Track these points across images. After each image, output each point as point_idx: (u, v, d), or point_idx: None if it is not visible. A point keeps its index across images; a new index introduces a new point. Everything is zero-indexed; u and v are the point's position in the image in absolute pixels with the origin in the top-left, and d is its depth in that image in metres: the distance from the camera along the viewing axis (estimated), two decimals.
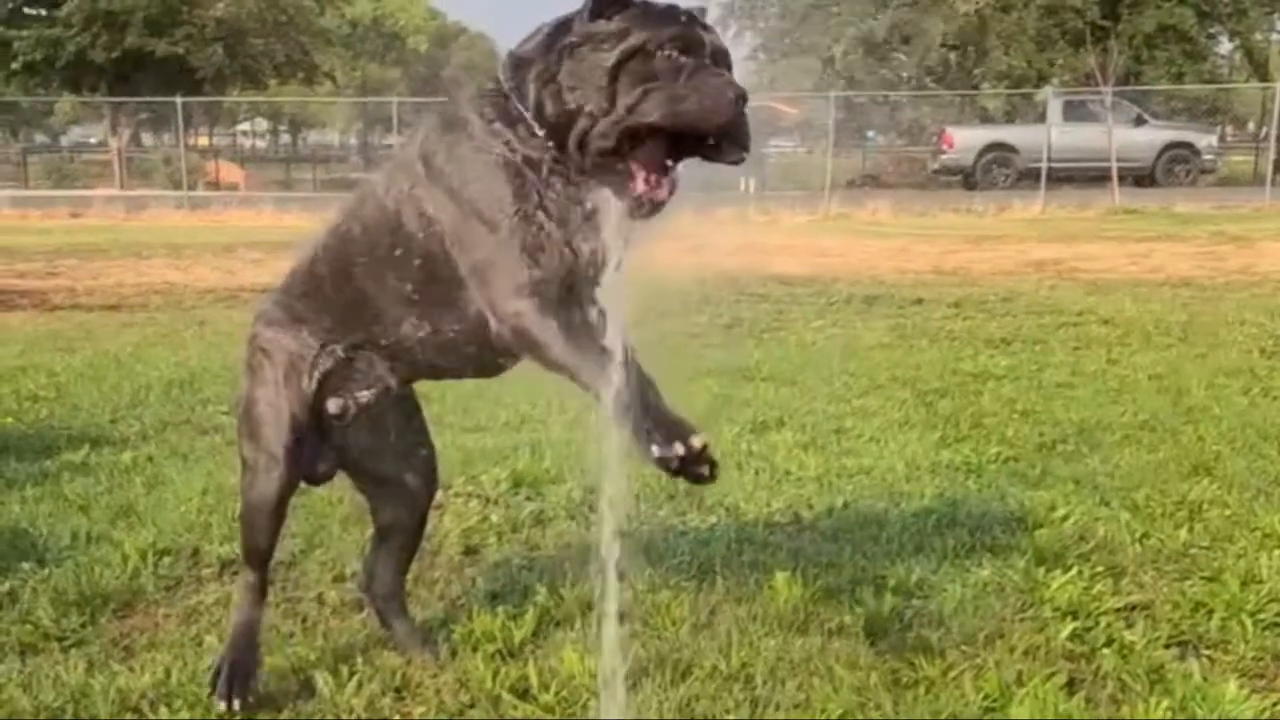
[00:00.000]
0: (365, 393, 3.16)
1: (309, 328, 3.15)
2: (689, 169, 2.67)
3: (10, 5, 42.49)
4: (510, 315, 2.74)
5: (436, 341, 2.98)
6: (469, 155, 2.77)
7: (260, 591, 3.32)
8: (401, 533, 3.51)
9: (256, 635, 3.29)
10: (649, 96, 2.56)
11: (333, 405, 3.17)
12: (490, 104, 2.79)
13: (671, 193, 2.62)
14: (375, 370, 3.13)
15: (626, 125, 2.58)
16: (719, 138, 2.60)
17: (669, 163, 2.63)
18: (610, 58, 2.58)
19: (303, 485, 3.33)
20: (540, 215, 2.71)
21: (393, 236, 2.91)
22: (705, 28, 2.65)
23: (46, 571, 4.13)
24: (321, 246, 3.15)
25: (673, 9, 2.65)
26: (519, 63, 2.77)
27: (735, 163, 2.65)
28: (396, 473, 3.41)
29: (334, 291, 3.10)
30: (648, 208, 2.61)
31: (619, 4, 2.63)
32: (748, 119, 2.61)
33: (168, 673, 3.34)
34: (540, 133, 2.70)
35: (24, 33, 42.03)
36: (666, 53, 2.57)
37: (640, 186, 2.60)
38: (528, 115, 2.72)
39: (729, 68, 2.66)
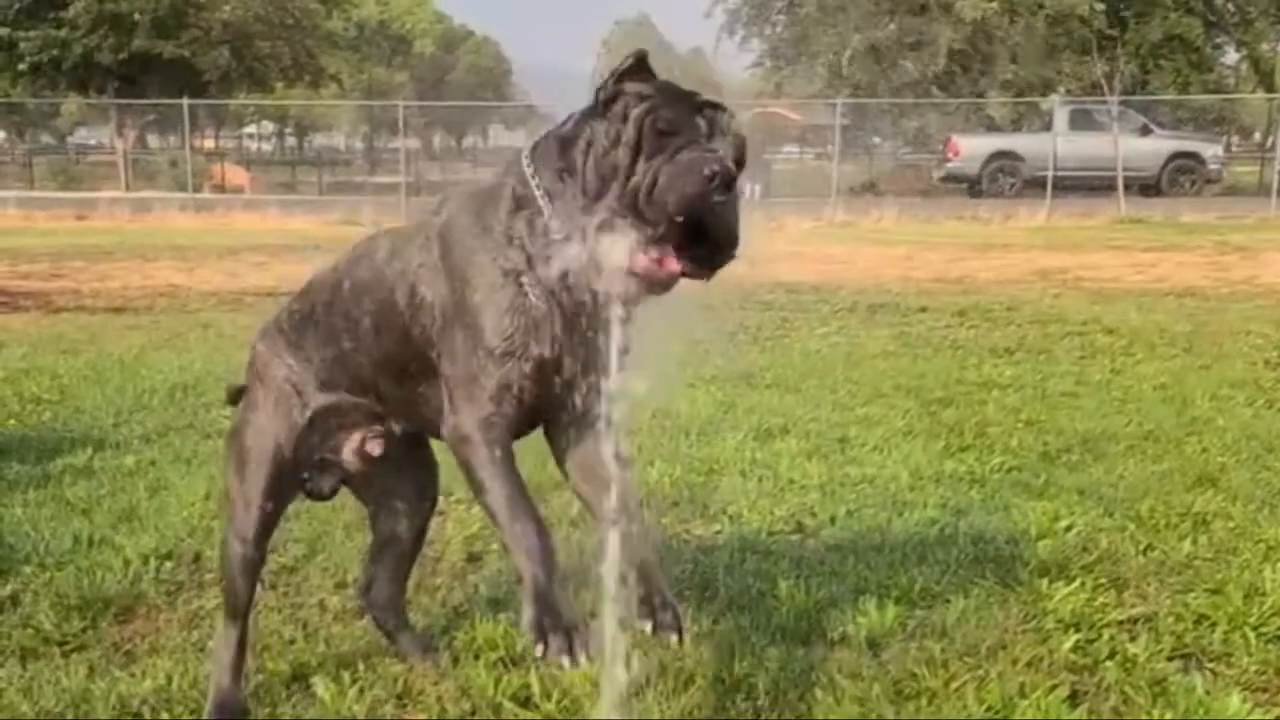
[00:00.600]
0: (374, 443, 3.12)
1: (302, 357, 3.11)
2: None
3: (17, 6, 42.48)
4: (461, 439, 2.71)
5: (415, 403, 2.96)
6: (486, 263, 2.67)
7: (241, 645, 3.25)
8: (401, 543, 3.48)
9: (239, 692, 3.25)
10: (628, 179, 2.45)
11: (348, 454, 3.14)
12: (517, 188, 2.67)
13: (671, 275, 2.45)
14: (372, 413, 3.10)
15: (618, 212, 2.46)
16: (693, 220, 2.42)
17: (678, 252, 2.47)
18: (611, 153, 2.48)
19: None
20: (532, 345, 2.64)
21: (379, 304, 2.89)
22: (716, 107, 2.54)
23: (48, 575, 4.14)
24: (316, 284, 3.13)
25: (690, 95, 2.54)
26: (542, 149, 2.67)
27: (714, 266, 2.53)
28: (397, 485, 3.39)
29: (320, 336, 3.08)
30: (645, 286, 2.46)
31: (636, 71, 2.55)
32: (733, 206, 2.46)
33: (169, 678, 3.34)
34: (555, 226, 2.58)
35: (31, 34, 42.04)
36: (658, 130, 2.46)
37: (640, 263, 2.43)
38: (547, 209, 2.61)
39: (735, 152, 2.51)
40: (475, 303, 2.67)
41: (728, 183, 2.41)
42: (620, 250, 2.42)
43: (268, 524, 3.19)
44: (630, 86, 2.53)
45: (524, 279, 2.63)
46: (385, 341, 2.90)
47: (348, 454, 3.13)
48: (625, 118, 2.47)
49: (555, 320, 2.63)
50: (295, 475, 3.16)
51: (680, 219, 2.40)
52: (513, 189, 2.67)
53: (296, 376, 3.10)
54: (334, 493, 3.32)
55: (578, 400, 2.69)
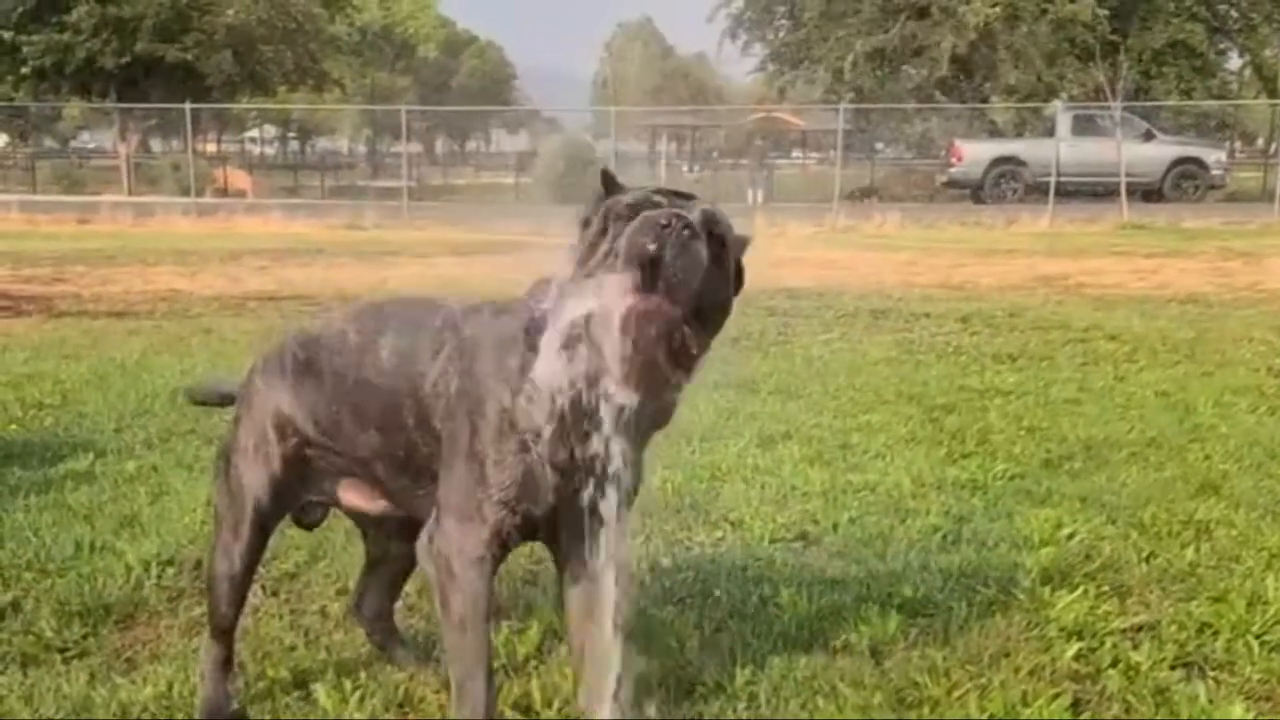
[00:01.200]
0: (376, 504, 3.12)
1: (298, 403, 3.07)
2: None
3: (20, 10, 42.56)
4: (445, 568, 2.73)
5: (407, 496, 2.98)
6: (494, 413, 2.68)
7: (226, 664, 3.24)
8: (394, 561, 3.47)
9: (229, 703, 3.24)
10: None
11: (378, 509, 3.14)
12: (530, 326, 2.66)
13: (663, 309, 2.43)
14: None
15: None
16: (663, 272, 2.41)
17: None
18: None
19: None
20: (529, 504, 2.67)
21: (383, 405, 2.90)
22: (684, 195, 2.57)
23: (49, 581, 4.13)
24: (325, 340, 3.09)
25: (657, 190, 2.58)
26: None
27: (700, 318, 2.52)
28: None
29: (321, 396, 3.05)
30: (635, 322, 2.43)
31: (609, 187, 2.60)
32: (691, 251, 2.45)
33: (170, 685, 3.33)
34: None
35: (34, 38, 42.17)
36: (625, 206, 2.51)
37: (630, 300, 2.42)
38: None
39: (702, 216, 2.52)
40: (480, 447, 2.69)
41: (685, 225, 2.44)
42: (610, 297, 2.43)
43: (254, 548, 3.16)
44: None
45: (529, 436, 2.64)
46: (388, 438, 2.91)
47: (342, 496, 3.14)
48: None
49: (556, 476, 2.65)
50: (285, 494, 3.14)
51: (640, 265, 2.41)
52: (526, 328, 2.66)
53: (286, 420, 3.07)
54: (318, 521, 3.34)
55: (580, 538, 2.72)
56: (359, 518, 3.36)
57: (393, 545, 3.40)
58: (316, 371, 3.04)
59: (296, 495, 3.15)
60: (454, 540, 2.71)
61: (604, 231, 2.50)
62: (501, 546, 2.73)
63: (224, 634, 3.22)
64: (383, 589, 3.54)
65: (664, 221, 2.41)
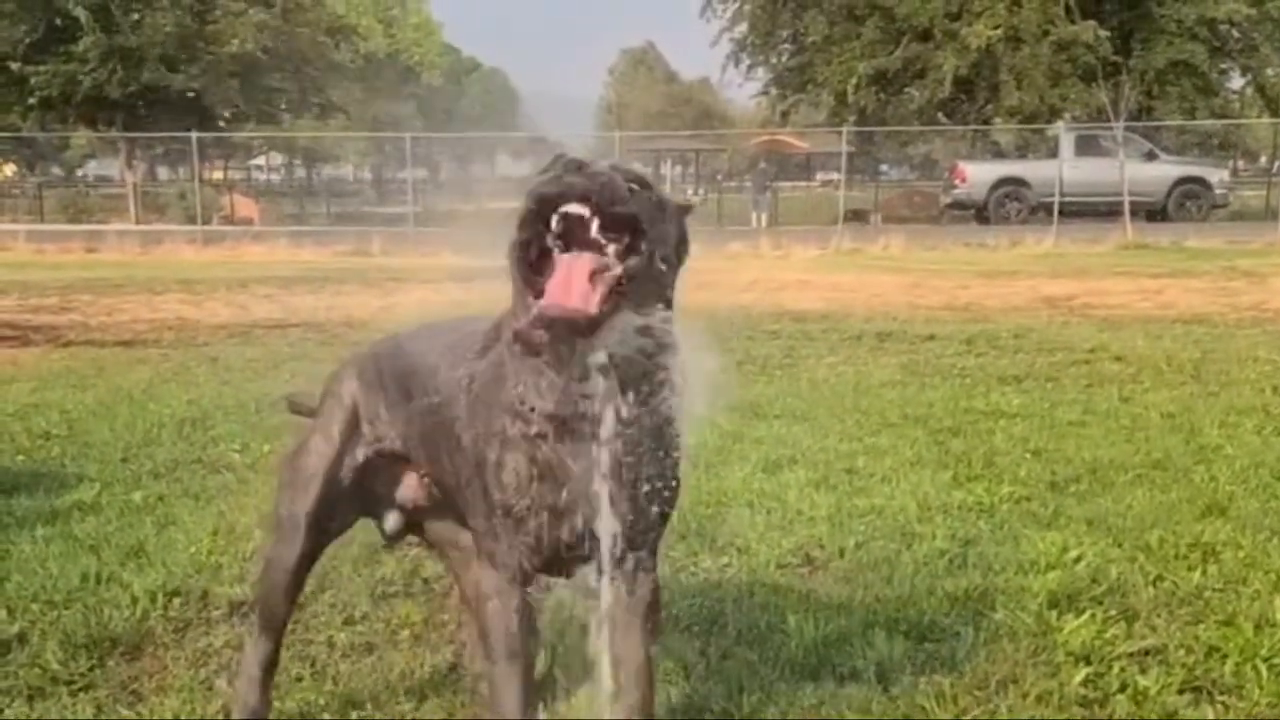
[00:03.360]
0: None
1: (378, 400, 3.04)
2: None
3: (27, 41, 42.73)
4: (482, 598, 2.68)
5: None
6: (499, 427, 2.59)
7: (271, 666, 3.24)
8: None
9: (267, 711, 3.24)
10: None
11: (390, 520, 3.11)
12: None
13: (598, 307, 2.33)
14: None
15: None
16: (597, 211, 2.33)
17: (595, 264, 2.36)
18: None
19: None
20: (541, 507, 2.58)
21: (437, 422, 2.82)
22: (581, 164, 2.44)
23: (55, 613, 4.13)
24: (404, 349, 3.05)
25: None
26: None
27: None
28: (460, 533, 3.18)
29: (393, 398, 3.01)
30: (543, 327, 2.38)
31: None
32: (611, 182, 2.35)
33: (176, 717, 3.33)
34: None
35: (40, 68, 42.30)
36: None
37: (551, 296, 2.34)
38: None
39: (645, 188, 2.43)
40: (490, 463, 2.61)
41: (577, 164, 2.37)
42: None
43: (313, 549, 3.15)
44: None
45: (531, 437, 2.55)
46: (443, 456, 2.83)
47: (405, 491, 3.08)
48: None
49: (565, 475, 2.55)
50: (347, 505, 3.12)
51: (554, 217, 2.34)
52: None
53: (368, 411, 3.04)
54: (398, 537, 3.24)
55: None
56: (445, 541, 3.28)
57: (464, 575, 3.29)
58: (392, 379, 3.01)
59: (368, 486, 3.09)
60: (487, 568, 2.67)
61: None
62: (533, 553, 2.62)
63: (273, 631, 3.21)
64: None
65: (563, 164, 2.38)
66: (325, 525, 3.13)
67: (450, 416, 2.74)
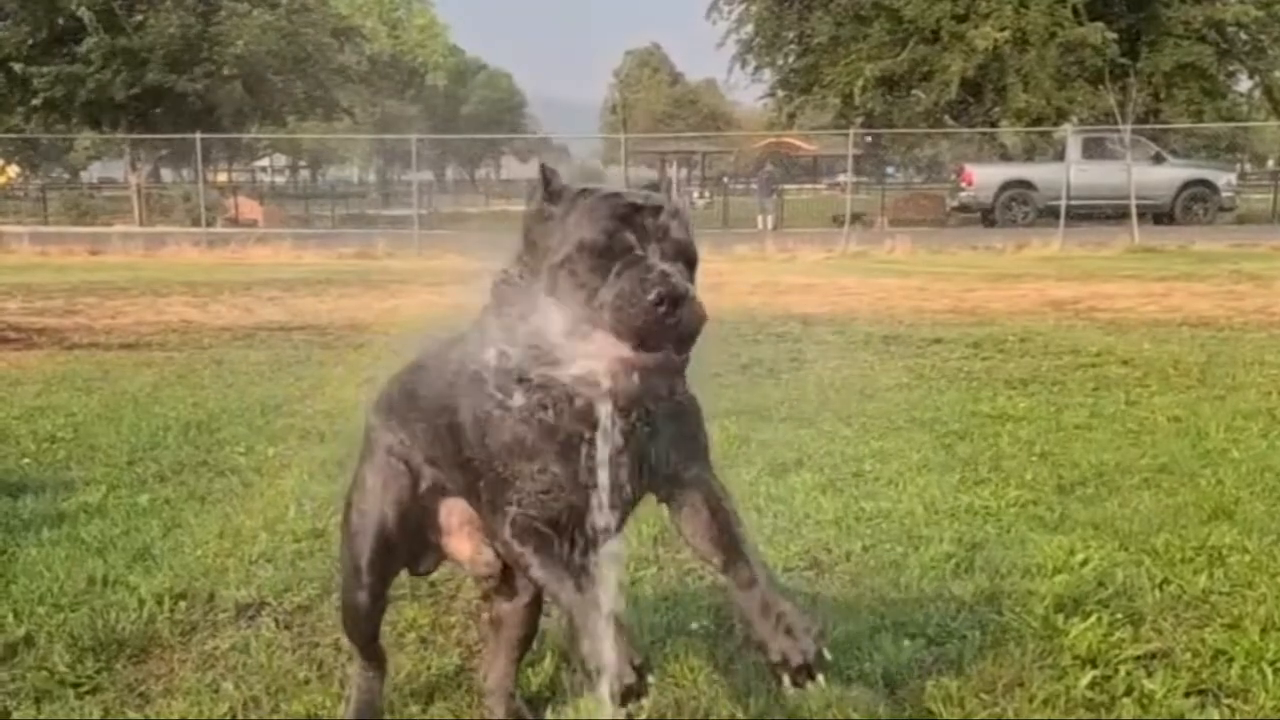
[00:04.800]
0: (483, 554, 3.01)
1: (409, 432, 2.98)
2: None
3: (30, 43, 42.81)
4: (504, 546, 2.70)
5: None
6: (481, 401, 2.61)
7: (378, 671, 3.29)
8: (510, 627, 3.30)
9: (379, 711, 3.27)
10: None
11: (484, 562, 3.04)
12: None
13: (646, 379, 2.38)
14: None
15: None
16: (648, 340, 2.34)
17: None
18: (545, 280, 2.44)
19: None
20: (530, 467, 2.60)
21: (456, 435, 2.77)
22: (654, 210, 2.45)
23: (62, 616, 4.13)
24: (421, 360, 3.02)
25: (614, 196, 2.47)
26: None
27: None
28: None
29: (421, 411, 2.95)
30: (623, 399, 2.42)
31: (554, 197, 2.50)
32: (687, 314, 2.35)
33: None
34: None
35: (44, 70, 42.38)
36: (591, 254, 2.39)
37: (605, 382, 2.38)
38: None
39: (682, 254, 2.44)
40: (490, 451, 2.63)
41: (675, 300, 2.33)
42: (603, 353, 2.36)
43: (379, 588, 3.12)
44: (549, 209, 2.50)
45: (508, 405, 2.57)
46: (469, 470, 2.79)
47: (451, 545, 3.03)
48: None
49: (555, 438, 2.56)
50: (404, 547, 3.08)
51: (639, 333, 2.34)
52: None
53: (404, 449, 2.98)
54: (431, 569, 3.25)
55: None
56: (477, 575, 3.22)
57: (505, 607, 3.27)
58: (419, 403, 2.94)
59: (418, 527, 3.04)
60: (498, 523, 2.67)
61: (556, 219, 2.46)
62: (539, 505, 2.62)
63: (372, 659, 3.26)
64: (502, 657, 3.35)
65: (656, 297, 2.31)
66: (387, 566, 3.11)
67: (460, 419, 2.71)
